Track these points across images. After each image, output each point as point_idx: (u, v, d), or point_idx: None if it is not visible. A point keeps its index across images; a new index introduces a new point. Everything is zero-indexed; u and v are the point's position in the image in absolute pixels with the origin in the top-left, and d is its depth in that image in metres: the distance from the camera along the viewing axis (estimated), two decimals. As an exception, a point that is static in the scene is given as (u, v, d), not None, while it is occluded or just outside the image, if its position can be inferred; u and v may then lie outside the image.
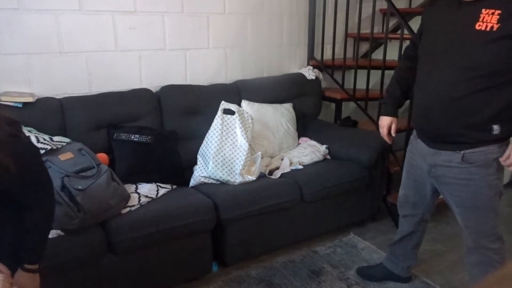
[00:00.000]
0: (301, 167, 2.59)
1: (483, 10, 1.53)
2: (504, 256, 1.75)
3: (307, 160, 2.65)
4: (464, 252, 1.84)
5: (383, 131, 2.00)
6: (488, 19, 1.52)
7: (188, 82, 2.72)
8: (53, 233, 1.76)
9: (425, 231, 2.12)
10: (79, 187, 1.78)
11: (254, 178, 2.36)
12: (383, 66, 2.84)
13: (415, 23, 3.22)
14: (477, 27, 1.53)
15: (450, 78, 1.61)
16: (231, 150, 2.36)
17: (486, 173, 1.65)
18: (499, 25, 1.49)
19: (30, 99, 2.12)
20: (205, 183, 2.34)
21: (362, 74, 3.00)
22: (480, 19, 1.53)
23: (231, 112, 2.45)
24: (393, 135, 2.01)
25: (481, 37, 1.53)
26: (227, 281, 2.21)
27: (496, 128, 1.59)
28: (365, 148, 2.60)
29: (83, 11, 2.33)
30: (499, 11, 1.50)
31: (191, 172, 2.40)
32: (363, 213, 2.72)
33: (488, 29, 1.51)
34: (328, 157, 2.77)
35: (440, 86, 1.64)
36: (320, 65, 3.22)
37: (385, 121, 2.00)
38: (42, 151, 1.82)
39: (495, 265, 1.72)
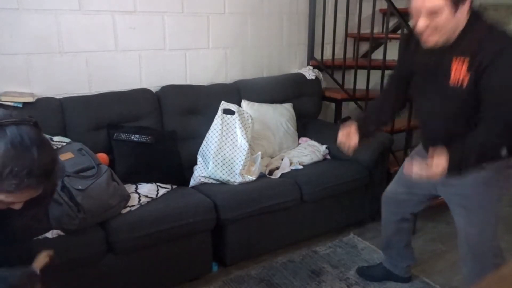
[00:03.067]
0: (301, 167, 2.59)
1: (454, 59, 1.54)
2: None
3: (307, 160, 2.65)
4: (460, 260, 1.83)
5: (340, 134, 1.83)
6: (459, 70, 1.53)
7: (188, 82, 2.72)
8: (53, 233, 1.76)
9: (412, 228, 2.12)
10: (79, 187, 1.78)
11: (254, 178, 2.36)
12: (383, 66, 2.84)
13: (415, 23, 3.23)
14: (450, 84, 1.55)
15: (441, 120, 1.66)
16: (231, 150, 2.36)
17: (495, 178, 1.64)
18: (467, 77, 1.50)
19: (30, 99, 2.12)
20: (205, 183, 2.34)
21: (362, 74, 3.00)
22: (453, 72, 1.54)
23: (231, 112, 2.45)
24: (351, 151, 1.85)
25: (455, 94, 1.55)
26: (227, 281, 2.21)
27: (503, 151, 1.56)
28: (365, 148, 2.60)
29: (83, 11, 2.33)
30: (468, 59, 1.51)
31: (191, 172, 2.40)
32: (363, 213, 2.72)
33: (459, 84, 1.53)
34: (328, 157, 2.77)
35: (435, 123, 1.70)
36: (320, 65, 3.22)
37: (348, 124, 1.84)
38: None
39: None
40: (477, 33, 1.48)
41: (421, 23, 1.48)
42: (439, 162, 1.47)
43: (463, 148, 1.50)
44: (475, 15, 1.50)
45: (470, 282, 1.79)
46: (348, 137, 1.82)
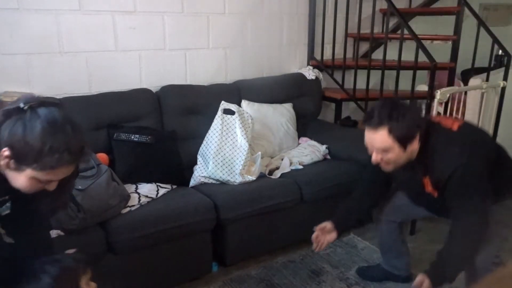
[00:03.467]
0: (301, 167, 2.58)
1: (423, 177, 1.68)
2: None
3: (307, 160, 2.65)
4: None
5: (315, 233, 1.87)
6: (428, 185, 1.68)
7: (188, 82, 2.72)
8: (53, 233, 1.76)
9: (405, 227, 2.16)
10: (79, 187, 1.78)
11: (254, 178, 2.36)
12: (383, 66, 2.84)
13: (415, 23, 3.24)
14: (426, 191, 1.70)
15: (424, 199, 1.81)
16: (231, 150, 2.36)
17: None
18: (436, 192, 1.67)
19: (30, 99, 2.11)
20: (205, 183, 2.34)
21: (362, 74, 3.00)
22: (425, 185, 1.69)
23: (231, 112, 2.45)
24: (322, 247, 1.88)
25: (432, 197, 1.71)
26: (227, 281, 2.21)
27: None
28: (365, 148, 2.60)
29: (83, 11, 2.32)
30: (430, 181, 1.66)
31: (191, 172, 2.40)
32: (363, 213, 2.72)
33: (432, 193, 1.69)
34: (328, 157, 2.77)
35: (419, 199, 1.87)
36: (320, 65, 3.22)
37: (323, 224, 1.88)
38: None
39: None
40: (431, 155, 1.60)
41: (374, 158, 1.61)
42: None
43: (445, 267, 1.57)
44: (427, 136, 1.60)
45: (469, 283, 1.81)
46: (323, 234, 1.88)
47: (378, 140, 1.56)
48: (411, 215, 2.00)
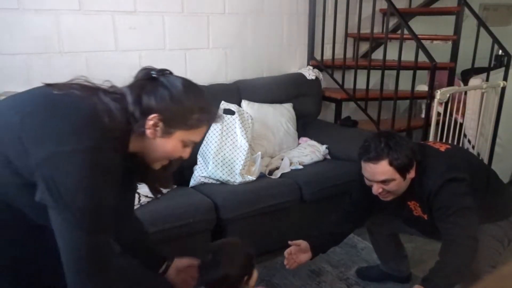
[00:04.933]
0: (301, 167, 2.58)
1: (408, 202, 1.73)
2: None
3: (307, 160, 2.65)
4: None
5: (289, 249, 1.79)
6: (416, 209, 1.72)
7: (188, 82, 2.71)
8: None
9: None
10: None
11: (254, 178, 2.36)
12: (383, 66, 2.84)
13: (415, 23, 3.23)
14: (415, 214, 1.74)
15: (413, 225, 1.87)
16: (231, 150, 2.36)
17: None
18: (426, 214, 1.70)
19: (30, 99, 2.11)
20: (205, 183, 2.34)
21: (362, 74, 3.00)
22: (413, 210, 1.73)
23: (231, 112, 2.45)
24: (293, 266, 1.80)
25: (421, 220, 1.74)
26: (227, 281, 2.21)
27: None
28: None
29: (83, 11, 2.32)
30: (418, 203, 1.70)
31: (191, 172, 2.40)
32: (363, 213, 2.71)
33: (421, 216, 1.72)
34: (328, 157, 2.77)
35: (407, 226, 1.92)
36: (320, 65, 3.22)
37: (299, 241, 1.81)
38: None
39: None
40: (418, 177, 1.63)
41: (375, 189, 1.63)
42: None
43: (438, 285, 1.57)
44: (418, 163, 1.63)
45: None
46: (297, 252, 1.81)
47: (380, 172, 1.58)
48: (403, 230, 2.00)
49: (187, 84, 1.07)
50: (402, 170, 1.58)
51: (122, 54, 2.49)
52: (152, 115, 1.00)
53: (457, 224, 1.56)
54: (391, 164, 1.56)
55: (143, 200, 2.06)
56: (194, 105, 1.05)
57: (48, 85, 1.08)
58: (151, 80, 1.05)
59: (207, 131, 1.15)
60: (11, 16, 2.14)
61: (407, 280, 2.19)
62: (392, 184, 1.60)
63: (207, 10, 2.73)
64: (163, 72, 1.07)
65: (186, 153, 1.11)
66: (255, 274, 1.37)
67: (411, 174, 1.62)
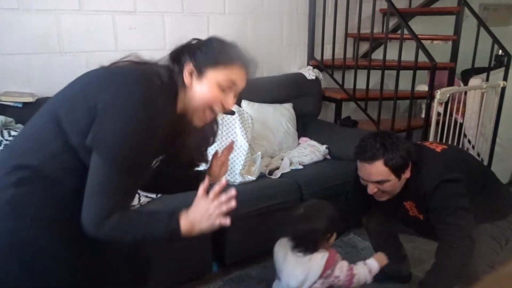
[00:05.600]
0: (301, 167, 2.58)
1: (404, 202, 1.73)
2: None
3: (307, 160, 2.65)
4: None
5: None
6: (412, 209, 1.72)
7: (188, 82, 2.72)
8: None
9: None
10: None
11: (254, 178, 2.36)
12: (383, 66, 2.84)
13: (415, 23, 3.23)
14: (411, 214, 1.75)
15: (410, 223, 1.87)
16: (231, 150, 2.36)
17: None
18: (421, 214, 1.71)
19: (30, 99, 2.12)
20: (205, 183, 2.33)
21: (362, 74, 3.00)
22: (409, 210, 1.74)
23: (231, 112, 2.45)
24: None
25: (418, 219, 1.75)
26: (227, 281, 2.21)
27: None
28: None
29: (83, 11, 2.33)
30: (414, 203, 1.70)
31: (191, 172, 2.40)
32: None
33: (417, 216, 1.73)
34: (328, 157, 2.77)
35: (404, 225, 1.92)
36: (320, 65, 3.22)
37: None
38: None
39: None
40: (414, 177, 1.63)
41: (370, 189, 1.65)
42: None
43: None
44: (414, 164, 1.64)
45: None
46: None
47: (375, 172, 1.59)
48: (402, 230, 2.00)
49: (214, 37, 1.24)
50: (397, 171, 1.59)
51: (122, 54, 2.45)
52: (188, 65, 1.15)
53: (453, 224, 1.57)
54: (386, 164, 1.57)
55: (143, 200, 2.06)
56: (219, 45, 1.19)
57: (103, 67, 1.23)
58: (189, 44, 1.22)
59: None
60: (11, 16, 2.14)
61: (407, 280, 2.19)
62: (387, 184, 1.61)
63: (207, 10, 2.73)
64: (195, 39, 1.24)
65: (227, 100, 1.20)
66: (335, 235, 1.54)
67: (406, 175, 1.63)
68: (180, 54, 1.18)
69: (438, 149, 1.70)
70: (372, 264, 1.54)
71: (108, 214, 1.04)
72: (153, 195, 2.13)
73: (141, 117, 1.03)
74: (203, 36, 1.35)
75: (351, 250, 2.49)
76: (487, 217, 1.70)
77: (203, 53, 1.16)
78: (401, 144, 1.59)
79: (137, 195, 2.07)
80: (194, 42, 1.23)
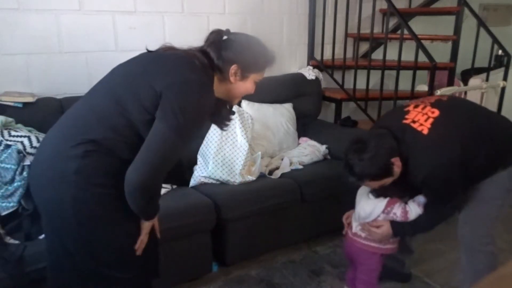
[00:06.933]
0: (301, 167, 2.58)
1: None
2: (493, 260, 1.80)
3: (307, 160, 2.65)
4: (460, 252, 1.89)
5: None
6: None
7: (188, 82, 2.72)
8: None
9: None
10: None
11: (254, 178, 2.36)
12: (383, 66, 2.84)
13: (415, 23, 3.24)
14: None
15: None
16: (231, 150, 2.36)
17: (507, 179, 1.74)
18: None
19: (30, 99, 2.12)
20: (205, 183, 2.34)
21: (362, 74, 3.00)
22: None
23: (231, 112, 2.45)
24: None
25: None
26: (227, 281, 2.21)
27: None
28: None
29: (83, 11, 2.33)
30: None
31: (191, 172, 2.40)
32: (363, 213, 2.72)
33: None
34: (328, 157, 2.77)
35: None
36: (320, 65, 3.22)
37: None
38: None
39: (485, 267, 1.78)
40: (405, 165, 1.65)
41: (372, 187, 1.75)
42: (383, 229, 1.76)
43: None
44: (402, 147, 1.65)
45: (466, 270, 1.87)
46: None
47: (368, 186, 1.74)
48: None
49: (250, 38, 1.43)
50: (386, 175, 1.64)
51: (122, 54, 2.49)
52: (233, 66, 1.35)
53: (442, 201, 1.70)
54: (373, 179, 1.66)
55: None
56: (260, 52, 1.41)
57: (149, 51, 1.41)
58: (223, 39, 1.36)
59: None
60: (11, 16, 2.14)
61: (406, 280, 2.19)
62: (384, 183, 1.67)
63: (207, 10, 2.73)
64: (228, 32, 1.39)
65: (254, 89, 1.45)
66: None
67: (398, 168, 1.64)
68: (221, 51, 1.35)
69: (425, 130, 1.62)
70: (418, 199, 1.78)
71: (155, 173, 1.23)
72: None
73: (197, 95, 1.26)
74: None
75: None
76: (502, 163, 1.70)
77: (247, 58, 1.37)
78: (381, 148, 1.61)
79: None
80: (232, 39, 1.37)
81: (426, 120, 1.64)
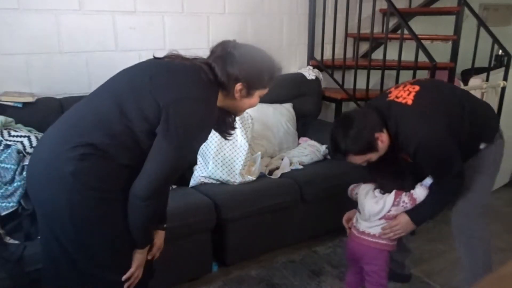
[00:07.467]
0: (301, 167, 2.59)
1: (398, 154, 1.79)
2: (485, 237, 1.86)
3: (307, 160, 2.65)
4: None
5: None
6: (408, 158, 1.76)
7: (188, 82, 2.72)
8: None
9: None
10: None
11: (254, 178, 2.36)
12: (383, 66, 2.84)
13: (415, 23, 3.23)
14: (411, 160, 1.76)
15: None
16: (231, 150, 2.36)
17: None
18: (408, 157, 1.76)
19: (30, 99, 2.12)
20: (205, 183, 2.34)
21: (362, 74, 3.00)
22: (405, 157, 1.78)
23: (231, 112, 2.45)
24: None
25: (419, 165, 1.78)
26: (227, 281, 2.21)
27: (482, 145, 1.77)
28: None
29: (83, 11, 2.33)
30: (407, 155, 1.74)
31: (191, 172, 2.40)
32: (363, 213, 2.72)
33: (406, 159, 1.78)
34: (328, 157, 2.77)
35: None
36: (320, 65, 3.22)
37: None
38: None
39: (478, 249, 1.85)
40: (395, 137, 1.68)
41: (356, 162, 1.74)
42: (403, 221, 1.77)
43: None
44: (389, 120, 1.69)
45: (464, 259, 1.90)
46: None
47: (353, 161, 1.73)
48: None
49: (256, 52, 1.42)
50: (370, 150, 1.66)
51: (122, 54, 2.49)
52: (238, 84, 1.34)
53: (442, 175, 1.70)
54: (357, 154, 1.68)
55: None
56: (265, 69, 1.40)
57: (156, 58, 1.42)
58: (228, 54, 1.35)
59: None
60: (11, 16, 2.14)
61: (406, 280, 2.19)
62: (369, 159, 1.70)
63: (207, 10, 2.73)
64: (234, 44, 1.40)
65: (255, 103, 1.48)
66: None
67: (383, 143, 1.67)
68: (227, 66, 1.33)
69: (409, 102, 1.67)
70: (426, 181, 1.79)
71: (159, 186, 1.27)
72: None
73: (201, 113, 1.28)
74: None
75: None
76: (487, 137, 1.76)
77: (252, 76, 1.36)
78: (364, 125, 1.65)
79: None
80: (237, 54, 1.36)
81: (408, 95, 1.71)
